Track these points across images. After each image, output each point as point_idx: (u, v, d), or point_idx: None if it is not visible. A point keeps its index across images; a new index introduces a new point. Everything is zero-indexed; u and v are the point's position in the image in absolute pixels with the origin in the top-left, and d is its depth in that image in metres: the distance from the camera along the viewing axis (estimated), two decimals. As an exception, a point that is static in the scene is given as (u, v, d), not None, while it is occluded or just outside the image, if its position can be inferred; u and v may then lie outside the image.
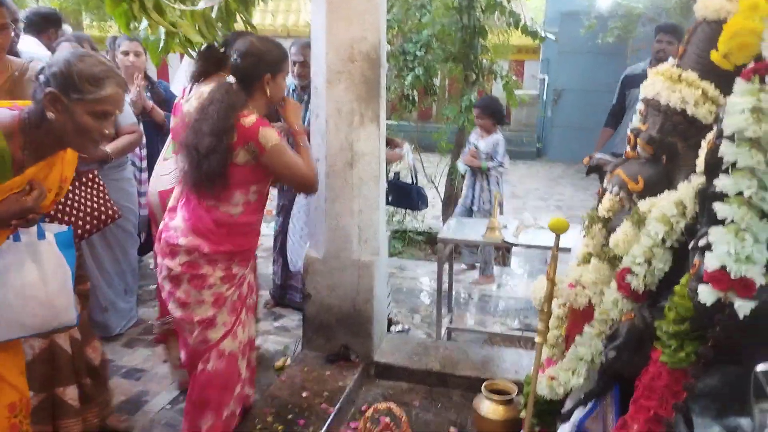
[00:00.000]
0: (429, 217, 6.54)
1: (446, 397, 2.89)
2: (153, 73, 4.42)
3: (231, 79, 2.29)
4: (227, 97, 2.19)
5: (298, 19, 7.03)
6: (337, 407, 2.62)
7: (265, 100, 2.28)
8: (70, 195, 2.46)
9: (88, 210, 2.54)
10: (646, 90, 1.65)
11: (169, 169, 2.87)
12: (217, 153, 2.12)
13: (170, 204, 2.42)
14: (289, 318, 3.97)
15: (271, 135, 2.16)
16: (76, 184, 2.48)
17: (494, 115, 4.72)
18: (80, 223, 2.49)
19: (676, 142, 1.56)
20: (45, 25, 3.55)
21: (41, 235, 1.79)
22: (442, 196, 5.87)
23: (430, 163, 6.20)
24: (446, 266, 3.64)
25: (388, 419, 2.35)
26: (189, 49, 2.92)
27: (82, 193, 2.54)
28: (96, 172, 2.70)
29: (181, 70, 3.54)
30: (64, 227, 1.94)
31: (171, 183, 2.75)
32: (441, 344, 3.29)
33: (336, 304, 3.04)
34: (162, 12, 2.73)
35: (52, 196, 1.78)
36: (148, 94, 3.89)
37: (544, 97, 12.31)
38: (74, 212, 2.48)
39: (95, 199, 2.56)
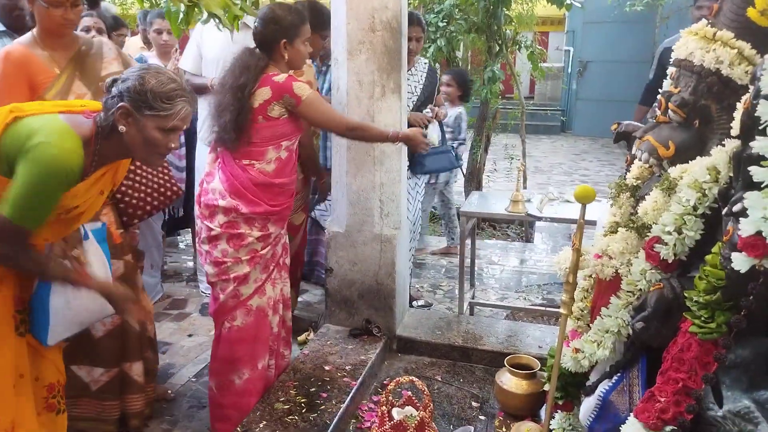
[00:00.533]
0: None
1: (468, 372, 2.87)
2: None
3: None
4: (244, 59, 2.36)
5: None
6: (359, 381, 2.62)
7: (285, 64, 2.42)
8: (138, 172, 2.50)
9: (155, 187, 2.57)
10: (678, 51, 1.58)
11: None
12: (236, 109, 2.28)
13: (206, 168, 2.53)
14: (312, 293, 3.98)
15: (304, 87, 2.35)
16: None
17: (463, 86, 4.58)
18: (148, 199, 2.52)
19: (709, 105, 1.49)
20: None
21: (86, 237, 1.88)
22: (465, 171, 5.79)
23: (452, 138, 6.12)
24: (468, 241, 3.60)
25: (410, 393, 2.34)
26: (216, 21, 2.88)
27: (147, 172, 2.57)
28: None
29: (188, 49, 3.49)
30: (99, 224, 2.01)
31: None
32: (463, 319, 3.27)
33: (358, 278, 3.03)
34: (183, -17, 2.70)
35: (104, 198, 1.83)
36: None
37: (569, 69, 12.05)
38: (142, 189, 2.51)
39: (160, 176, 2.60)
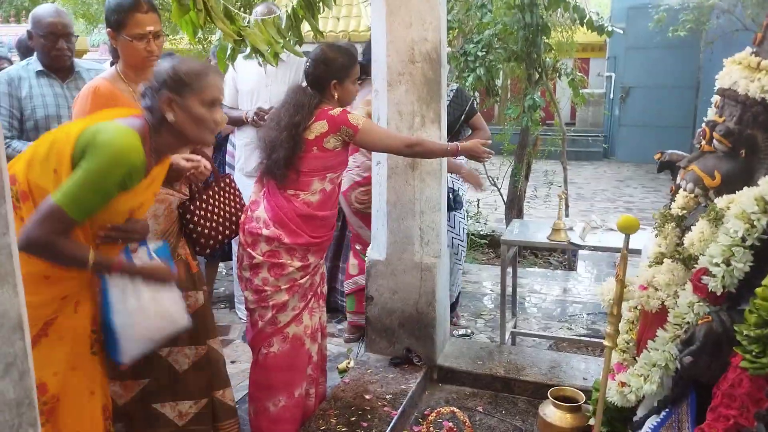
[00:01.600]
0: (492, 221, 6.45)
1: (511, 403, 2.83)
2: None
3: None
4: (295, 97, 2.47)
5: (359, 24, 7.10)
6: (400, 410, 2.60)
7: (335, 102, 2.50)
8: (211, 202, 2.45)
9: (227, 215, 2.51)
10: (722, 80, 1.56)
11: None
12: (290, 147, 2.38)
13: (252, 197, 2.58)
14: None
15: (359, 116, 2.46)
16: (216, 189, 2.47)
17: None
18: (220, 228, 2.46)
19: (755, 134, 1.47)
20: None
21: (150, 256, 1.90)
22: (505, 199, 5.76)
23: (492, 165, 6.10)
24: (510, 269, 3.57)
25: (451, 424, 2.32)
26: (257, 57, 2.98)
27: (222, 198, 2.54)
28: (232, 177, 2.68)
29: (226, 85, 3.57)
30: (161, 242, 2.03)
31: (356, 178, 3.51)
32: (505, 349, 3.23)
33: (398, 306, 3.03)
34: (232, 20, 2.81)
35: (152, 199, 1.93)
36: None
37: (611, 95, 11.92)
38: (214, 219, 2.45)
39: (232, 203, 2.56)
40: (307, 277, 2.51)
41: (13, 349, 0.85)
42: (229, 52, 2.98)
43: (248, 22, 3.01)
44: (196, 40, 2.83)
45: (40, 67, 2.88)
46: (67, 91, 2.88)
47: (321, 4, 3.17)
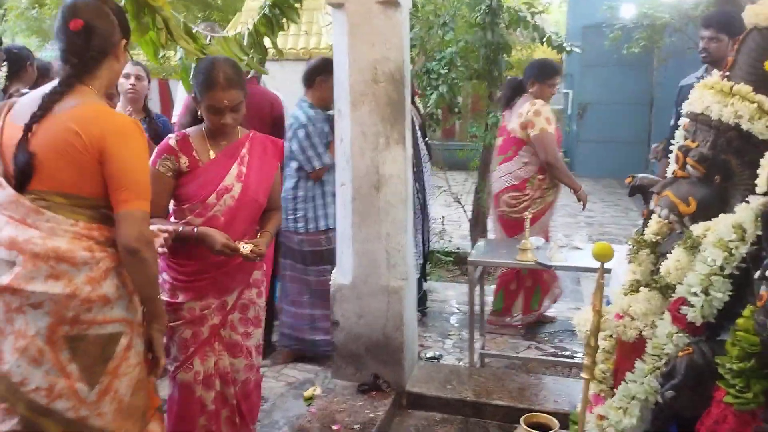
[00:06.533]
0: (456, 237, 6.43)
1: (482, 428, 2.77)
2: (156, 102, 4.32)
3: None
4: None
5: (319, 41, 7.03)
6: (369, 441, 2.51)
7: None
8: None
9: None
10: (693, 104, 1.54)
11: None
12: None
13: None
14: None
15: None
16: None
17: None
18: None
19: (730, 160, 1.45)
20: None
21: None
22: (470, 216, 5.75)
23: (455, 182, 6.11)
24: (477, 288, 3.52)
25: (422, 455, 2.24)
26: None
27: None
28: None
29: (179, 101, 3.50)
30: None
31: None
32: (474, 371, 3.17)
33: (365, 332, 2.95)
34: (193, 38, 2.71)
35: None
36: (145, 126, 3.40)
37: (569, 111, 12.14)
38: None
39: None
40: (181, 319, 2.22)
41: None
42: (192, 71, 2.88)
43: (210, 39, 2.92)
44: (158, 59, 2.67)
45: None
46: None
47: (284, 20, 3.12)
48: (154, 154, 2.21)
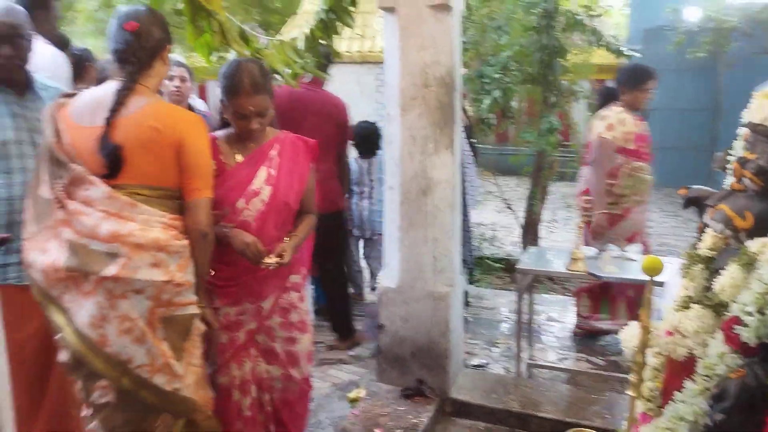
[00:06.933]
0: (507, 244, 6.35)
1: (527, 440, 2.72)
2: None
3: None
4: None
5: (374, 45, 7.07)
6: (410, 447, 2.51)
7: None
8: None
9: None
10: (752, 114, 1.48)
11: None
12: None
13: None
14: (365, 347, 3.90)
15: None
16: None
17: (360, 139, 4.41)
18: None
19: (790, 174, 1.38)
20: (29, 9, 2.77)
21: None
22: (521, 222, 5.66)
23: (507, 187, 6.03)
24: (526, 296, 3.47)
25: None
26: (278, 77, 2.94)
27: None
28: None
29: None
30: None
31: None
32: (521, 382, 3.12)
33: (410, 336, 2.95)
34: (247, 41, 2.77)
35: None
36: None
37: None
38: None
39: None
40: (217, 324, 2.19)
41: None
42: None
43: (264, 43, 2.98)
44: (212, 61, 2.73)
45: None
46: (27, 111, 2.24)
47: (339, 24, 3.15)
48: None
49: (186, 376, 1.90)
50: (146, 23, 1.86)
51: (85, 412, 1.93)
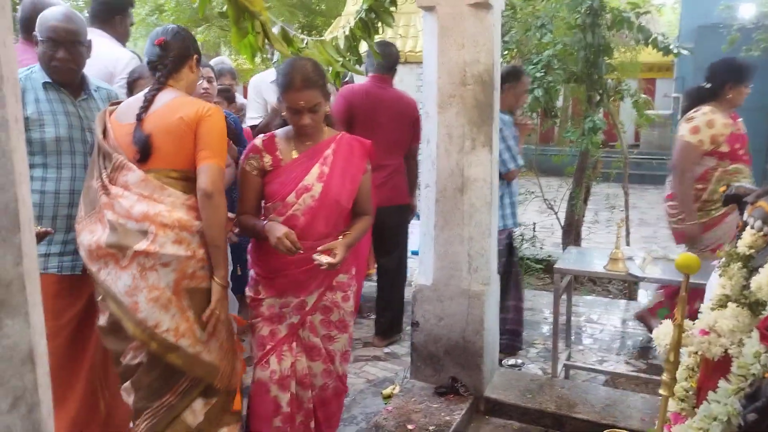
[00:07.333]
0: (549, 245, 6.27)
1: (562, 442, 2.68)
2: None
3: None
4: None
5: (416, 45, 7.07)
6: (442, 444, 2.51)
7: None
8: None
9: None
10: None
11: None
12: None
13: None
14: (400, 344, 3.92)
15: None
16: None
17: None
18: None
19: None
20: (109, 14, 3.09)
21: None
22: (563, 223, 5.57)
23: (550, 188, 5.94)
24: (565, 297, 3.42)
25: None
26: None
27: None
28: None
29: (250, 101, 3.98)
30: None
31: None
32: (557, 382, 3.08)
33: (444, 334, 2.94)
34: (289, 42, 2.83)
35: None
36: None
37: (678, 117, 11.47)
38: None
39: None
40: (260, 316, 2.30)
41: (23, 383, 0.83)
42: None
43: (306, 43, 3.03)
44: (255, 61, 2.80)
45: (46, 78, 2.31)
46: (80, 110, 2.36)
47: (380, 24, 3.18)
48: (243, 154, 2.33)
49: (210, 343, 2.13)
50: (172, 38, 2.16)
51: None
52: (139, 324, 2.04)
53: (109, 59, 2.86)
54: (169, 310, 2.05)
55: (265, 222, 2.21)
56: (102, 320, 2.14)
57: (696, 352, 1.55)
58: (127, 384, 2.15)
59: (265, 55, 3.07)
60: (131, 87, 2.75)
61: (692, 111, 3.48)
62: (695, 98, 3.59)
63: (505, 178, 3.54)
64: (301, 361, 2.32)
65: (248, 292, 2.34)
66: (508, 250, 3.71)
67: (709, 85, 3.50)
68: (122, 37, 3.13)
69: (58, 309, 2.23)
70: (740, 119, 3.54)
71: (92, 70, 2.50)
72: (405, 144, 3.85)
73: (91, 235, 2.08)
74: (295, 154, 2.27)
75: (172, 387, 2.12)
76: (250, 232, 2.29)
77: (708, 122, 3.37)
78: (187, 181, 2.11)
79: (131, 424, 2.19)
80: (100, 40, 2.70)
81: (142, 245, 2.01)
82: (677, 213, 3.52)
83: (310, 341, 2.32)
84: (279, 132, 2.34)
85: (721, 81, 3.46)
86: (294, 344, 2.31)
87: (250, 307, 2.36)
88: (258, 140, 2.31)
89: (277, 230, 2.12)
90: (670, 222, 3.56)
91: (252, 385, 2.33)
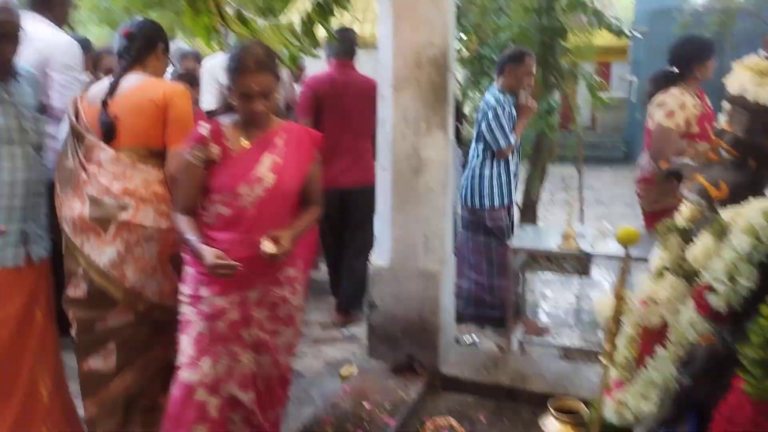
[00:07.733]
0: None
1: (515, 414, 2.75)
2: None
3: None
4: None
5: (373, 29, 7.05)
6: (398, 420, 2.55)
7: None
8: None
9: None
10: (731, 86, 1.49)
11: None
12: None
13: None
14: (359, 326, 3.94)
15: None
16: None
17: None
18: None
19: (765, 144, 1.39)
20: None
21: None
22: (520, 204, 5.67)
23: (508, 170, 6.03)
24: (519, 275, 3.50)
25: (449, 435, 2.26)
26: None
27: None
28: None
29: (205, 85, 3.92)
30: None
31: None
32: (511, 357, 3.16)
33: (401, 313, 2.98)
34: (245, 23, 2.78)
35: None
36: None
37: (633, 99, 11.73)
38: None
39: None
40: (198, 315, 2.07)
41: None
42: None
43: (261, 26, 2.99)
44: (212, 43, 2.74)
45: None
46: (12, 96, 2.21)
47: (335, 7, 3.15)
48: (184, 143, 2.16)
49: None
50: (137, 29, 2.33)
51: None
52: (126, 291, 2.19)
53: (45, 45, 2.78)
54: (155, 276, 2.22)
55: (195, 239, 2.00)
56: (77, 292, 2.25)
57: (638, 323, 1.61)
58: (112, 344, 2.25)
59: (220, 38, 3.03)
60: (96, 62, 3.00)
61: (660, 94, 3.40)
62: (662, 82, 3.49)
63: (498, 156, 3.67)
64: (244, 360, 2.15)
65: (186, 290, 2.11)
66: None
67: (675, 69, 3.45)
68: (60, 21, 3.06)
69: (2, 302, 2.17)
70: (706, 95, 3.48)
71: (24, 53, 2.33)
72: (372, 126, 3.83)
73: (70, 210, 2.21)
74: (246, 144, 2.11)
75: (161, 338, 2.26)
76: (183, 241, 2.08)
77: (680, 104, 3.30)
78: (159, 157, 2.24)
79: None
80: (36, 25, 2.70)
81: (124, 216, 2.15)
82: (648, 195, 3.46)
83: (260, 338, 2.17)
84: (224, 120, 2.16)
85: (686, 61, 3.39)
86: (235, 344, 2.13)
87: (186, 305, 2.12)
88: (203, 129, 2.09)
89: (207, 255, 1.91)
90: (641, 204, 3.52)
91: (173, 388, 2.10)
